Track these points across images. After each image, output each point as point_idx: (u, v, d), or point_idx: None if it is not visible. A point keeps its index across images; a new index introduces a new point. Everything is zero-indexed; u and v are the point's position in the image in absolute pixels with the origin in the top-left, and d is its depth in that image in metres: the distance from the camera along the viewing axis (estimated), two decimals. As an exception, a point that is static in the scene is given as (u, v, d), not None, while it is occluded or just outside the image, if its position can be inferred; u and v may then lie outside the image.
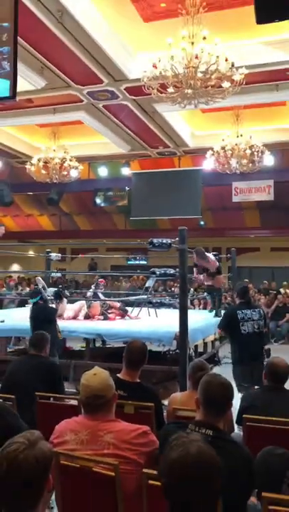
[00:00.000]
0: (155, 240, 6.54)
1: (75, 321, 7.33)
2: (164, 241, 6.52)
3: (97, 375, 2.35)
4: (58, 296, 6.50)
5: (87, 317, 7.54)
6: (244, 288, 5.61)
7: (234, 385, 4.75)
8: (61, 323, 7.04)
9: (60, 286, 6.67)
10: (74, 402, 3.35)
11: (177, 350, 6.22)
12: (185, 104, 7.09)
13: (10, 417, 2.37)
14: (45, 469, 1.39)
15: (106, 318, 7.51)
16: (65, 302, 6.38)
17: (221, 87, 6.86)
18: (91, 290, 10.99)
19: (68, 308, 7.58)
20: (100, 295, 10.93)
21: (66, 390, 4.17)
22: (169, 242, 6.35)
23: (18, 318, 7.76)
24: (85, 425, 2.29)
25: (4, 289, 15.10)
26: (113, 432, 2.24)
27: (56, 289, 9.36)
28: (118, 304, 7.80)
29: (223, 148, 10.88)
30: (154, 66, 6.59)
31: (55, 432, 2.34)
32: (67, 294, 6.63)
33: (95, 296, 11.06)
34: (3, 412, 2.38)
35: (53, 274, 10.68)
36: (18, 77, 5.45)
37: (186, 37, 6.48)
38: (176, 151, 13.64)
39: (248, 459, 1.98)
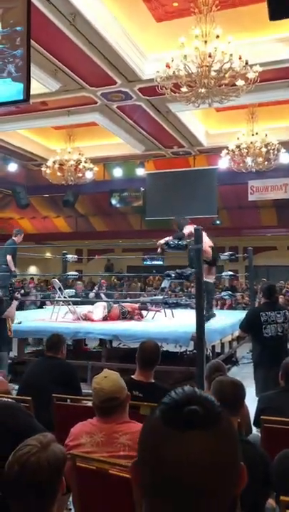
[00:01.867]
0: (171, 242, 6.52)
1: (90, 322, 7.35)
2: (180, 242, 6.50)
3: (108, 378, 2.35)
4: (10, 298, 6.44)
5: (106, 319, 7.57)
6: (271, 287, 5.16)
7: (254, 388, 4.71)
8: (78, 324, 7.09)
9: (11, 288, 6.63)
10: (91, 404, 3.36)
11: (194, 351, 6.21)
12: (199, 103, 7.05)
13: (23, 417, 2.37)
14: (58, 472, 1.39)
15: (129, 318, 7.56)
16: (14, 304, 6.31)
17: (235, 85, 6.80)
18: (94, 291, 11.08)
19: (92, 311, 7.62)
20: (103, 296, 10.99)
21: (84, 391, 4.17)
22: (185, 243, 6.32)
23: (35, 319, 7.83)
24: (100, 427, 2.29)
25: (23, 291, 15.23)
26: (129, 433, 2.25)
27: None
28: (136, 305, 7.81)
29: (238, 146, 10.79)
30: (168, 66, 6.56)
31: (71, 435, 2.35)
32: (19, 296, 6.63)
33: (98, 297, 11.13)
34: (16, 411, 2.38)
35: (70, 276, 10.72)
36: (32, 80, 5.50)
37: (199, 36, 6.44)
38: (190, 151, 13.59)
39: (263, 459, 1.96)
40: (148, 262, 20.17)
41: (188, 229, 6.79)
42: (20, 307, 12.04)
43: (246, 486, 0.70)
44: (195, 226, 6.66)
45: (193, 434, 0.66)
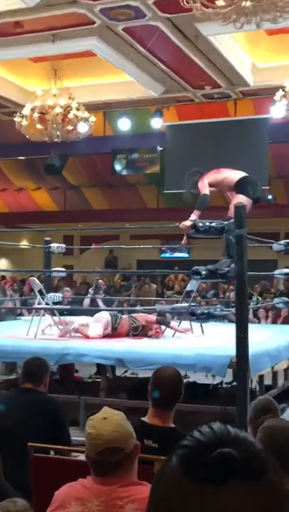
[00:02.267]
0: (200, 223, 6.51)
1: (86, 340, 7.39)
2: (214, 224, 6.48)
3: (108, 420, 2.37)
4: None
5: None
6: None
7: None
8: (67, 343, 7.13)
9: None
10: (85, 458, 3.40)
11: (234, 383, 6.19)
12: (242, 22, 7.02)
13: None
14: None
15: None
16: None
17: (295, -4, 6.76)
18: (88, 296, 11.09)
19: (92, 325, 7.66)
20: (100, 303, 11.02)
21: (74, 438, 4.21)
22: (221, 225, 6.30)
23: (5, 336, 7.89)
24: (96, 491, 2.31)
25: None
26: (136, 500, 2.26)
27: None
28: (153, 318, 7.80)
29: (299, 86, 10.74)
30: None
31: (55, 501, 2.38)
32: None
33: (93, 303, 11.13)
34: None
35: (55, 274, 10.78)
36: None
37: None
38: (230, 93, 13.53)
39: None
40: (167, 255, 20.21)
41: (205, 185, 7.11)
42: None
43: None
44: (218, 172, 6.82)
45: (226, 490, 0.66)
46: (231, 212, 6.76)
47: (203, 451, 0.68)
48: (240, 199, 6.89)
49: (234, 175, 7.29)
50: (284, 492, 0.70)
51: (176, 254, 19.94)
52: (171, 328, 7.71)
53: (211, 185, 7.22)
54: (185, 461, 0.69)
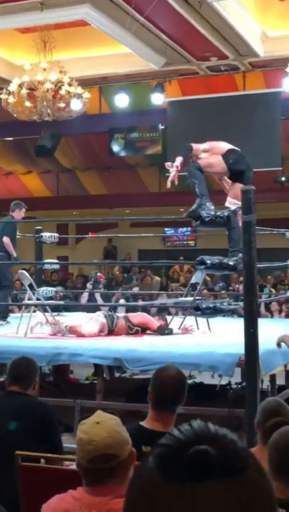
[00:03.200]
0: (204, 212, 6.53)
1: (81, 338, 7.43)
2: (219, 213, 6.50)
3: (101, 425, 2.37)
4: None
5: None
6: None
7: None
8: (60, 342, 7.17)
9: None
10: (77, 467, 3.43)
11: (243, 384, 6.21)
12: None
13: None
14: None
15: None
16: None
17: None
18: (87, 290, 11.14)
19: (86, 323, 7.71)
20: (99, 298, 11.04)
21: (67, 445, 4.23)
22: (227, 213, 6.32)
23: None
24: (87, 503, 2.32)
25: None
26: (132, 513, 2.26)
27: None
28: (154, 324, 7.81)
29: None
30: None
31: (43, 514, 2.39)
32: None
33: (92, 299, 11.17)
34: None
35: (47, 266, 10.80)
36: None
37: None
38: (238, 64, 13.49)
39: None
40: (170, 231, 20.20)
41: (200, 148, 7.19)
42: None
43: None
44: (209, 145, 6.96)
45: (201, 489, 0.67)
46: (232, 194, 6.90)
47: (181, 450, 0.69)
48: (215, 160, 7.05)
49: (227, 145, 7.39)
50: (265, 490, 0.71)
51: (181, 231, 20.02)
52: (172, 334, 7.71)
53: (207, 151, 7.29)
54: (162, 460, 0.70)
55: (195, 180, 7.04)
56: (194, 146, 7.36)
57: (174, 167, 7.29)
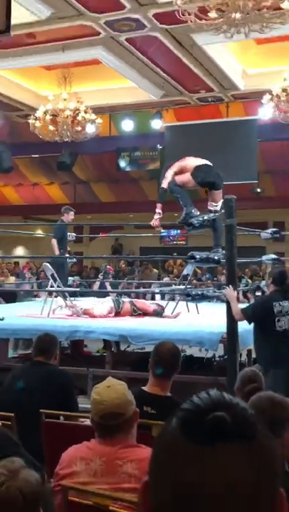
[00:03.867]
0: (194, 220, 6.53)
1: (92, 318, 7.42)
2: (206, 217, 6.50)
3: (111, 388, 2.38)
4: None
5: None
6: (282, 273, 5.63)
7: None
8: (76, 321, 7.18)
9: None
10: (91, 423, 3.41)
11: (225, 357, 6.22)
12: (232, 33, 6.98)
13: (10, 447, 2.41)
14: (34, 504, 1.42)
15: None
16: None
17: (280, 8, 6.70)
18: (98, 280, 11.11)
19: (97, 305, 7.71)
20: (108, 286, 11.03)
21: (82, 406, 4.23)
22: (213, 217, 6.32)
23: (22, 314, 7.92)
24: (98, 452, 2.32)
25: (13, 278, 15.44)
26: (135, 460, 2.27)
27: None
28: (151, 308, 7.80)
29: (284, 90, 10.68)
30: (191, -17, 6.48)
31: (62, 461, 2.39)
32: None
33: (102, 287, 11.18)
34: (1, 440, 2.42)
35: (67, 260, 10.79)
36: (15, 5, 5.46)
37: None
38: (222, 97, 13.45)
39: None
40: (164, 233, 20.13)
41: (165, 178, 7.06)
42: (12, 299, 12.21)
43: None
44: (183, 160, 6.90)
45: (218, 449, 0.66)
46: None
47: (200, 415, 0.68)
48: (186, 176, 6.93)
49: (195, 162, 7.17)
50: (272, 453, 0.70)
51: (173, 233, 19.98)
52: (165, 317, 7.68)
53: (179, 173, 7.13)
54: (183, 423, 0.69)
55: (177, 195, 7.00)
56: (167, 173, 7.17)
57: (156, 214, 7.24)
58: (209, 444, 0.66)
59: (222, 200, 6.72)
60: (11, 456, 2.19)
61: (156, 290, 11.02)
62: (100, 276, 11.44)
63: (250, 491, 0.65)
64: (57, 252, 9.46)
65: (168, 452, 0.69)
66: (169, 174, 7.09)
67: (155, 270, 17.85)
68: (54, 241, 9.48)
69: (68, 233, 10.02)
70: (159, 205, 7.24)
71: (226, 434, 0.66)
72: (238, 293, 6.18)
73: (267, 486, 0.67)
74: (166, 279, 13.52)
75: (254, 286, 11.68)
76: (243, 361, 6.84)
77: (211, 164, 7.18)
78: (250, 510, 0.65)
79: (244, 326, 6.09)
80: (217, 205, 6.93)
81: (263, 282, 9.71)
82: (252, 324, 5.55)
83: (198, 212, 6.84)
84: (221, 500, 0.64)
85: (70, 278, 9.47)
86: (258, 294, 6.23)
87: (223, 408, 0.68)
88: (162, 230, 19.95)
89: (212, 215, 6.51)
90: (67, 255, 9.74)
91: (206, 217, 6.49)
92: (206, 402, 0.70)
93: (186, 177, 6.80)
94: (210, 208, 6.99)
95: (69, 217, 9.78)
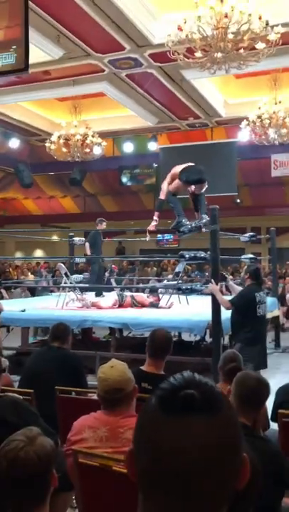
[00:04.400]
0: (184, 228, 6.55)
1: (100, 310, 7.41)
2: (194, 224, 6.50)
3: (114, 368, 2.38)
4: None
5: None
6: (257, 269, 5.92)
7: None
8: (86, 312, 7.16)
9: None
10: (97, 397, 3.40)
11: (210, 341, 6.22)
12: (215, 69, 6.95)
13: (30, 416, 2.41)
14: (48, 465, 1.44)
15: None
16: None
17: (254, 48, 6.68)
18: (105, 277, 11.07)
19: (104, 299, 7.71)
20: (113, 282, 11.00)
21: (91, 383, 4.22)
22: (199, 224, 6.32)
23: (40, 307, 7.91)
24: (103, 421, 2.32)
25: (32, 276, 15.41)
26: (134, 428, 2.26)
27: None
28: (147, 301, 7.78)
29: (259, 117, 10.65)
30: (180, 28, 6.46)
31: (73, 429, 2.39)
32: None
33: (108, 283, 11.16)
34: (22, 409, 2.41)
35: (77, 260, 10.78)
36: (33, 47, 5.47)
37: (214, -6, 6.32)
38: (207, 122, 13.46)
39: (277, 455, 1.97)
40: (160, 238, 20.13)
41: (162, 191, 6.98)
42: (32, 293, 12.19)
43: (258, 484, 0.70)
44: (173, 170, 6.83)
45: (188, 420, 0.66)
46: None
47: (174, 392, 0.69)
48: (176, 183, 6.84)
49: (179, 167, 7.00)
50: (236, 424, 0.71)
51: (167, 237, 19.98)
52: (160, 307, 7.67)
53: (171, 181, 7.02)
54: (161, 399, 0.69)
55: (172, 205, 6.96)
56: (163, 185, 7.09)
57: (153, 221, 7.17)
58: (181, 415, 0.66)
59: (205, 187, 6.73)
60: (31, 425, 2.20)
61: (156, 285, 10.98)
62: (107, 274, 11.40)
63: (216, 454, 0.66)
64: (88, 253, 9.53)
65: (148, 424, 0.69)
66: (164, 186, 7.04)
67: (154, 268, 17.83)
68: (87, 244, 9.51)
69: (78, 238, 9.99)
70: (156, 214, 7.19)
71: (195, 407, 0.67)
72: (221, 286, 6.17)
73: (230, 451, 0.68)
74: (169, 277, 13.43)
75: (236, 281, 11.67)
76: (226, 344, 6.84)
77: (192, 164, 7.11)
78: (217, 470, 0.66)
79: (227, 315, 6.10)
80: (201, 190, 6.90)
81: (231, 276, 9.67)
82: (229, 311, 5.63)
83: (188, 222, 6.82)
84: (191, 462, 0.65)
85: (79, 275, 9.43)
86: (222, 283, 6.30)
87: (193, 386, 0.69)
88: (158, 236, 20.04)
89: (199, 222, 6.49)
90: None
91: (193, 224, 6.48)
92: (180, 381, 0.71)
93: (177, 182, 6.78)
94: (195, 192, 6.84)
95: (102, 226, 9.73)
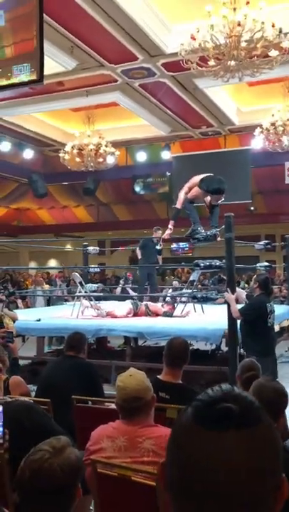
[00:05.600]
0: (199, 236, 6.53)
1: (114, 318, 7.40)
2: (209, 233, 6.49)
3: (133, 377, 2.37)
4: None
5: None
6: (267, 279, 5.82)
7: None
8: (101, 321, 7.16)
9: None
10: (115, 406, 3.39)
11: (226, 349, 6.17)
12: (228, 77, 6.98)
13: (40, 417, 2.40)
14: (73, 478, 1.41)
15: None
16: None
17: (268, 56, 6.69)
18: (120, 286, 11.10)
19: (118, 308, 7.71)
20: (130, 291, 11.00)
21: (106, 392, 4.21)
22: (214, 232, 6.30)
23: (55, 316, 7.93)
24: (122, 431, 2.31)
25: (47, 286, 15.47)
26: (153, 437, 2.25)
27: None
28: (161, 310, 7.75)
29: (273, 124, 10.65)
30: (193, 37, 6.50)
31: (92, 439, 2.38)
32: (3, 298, 6.69)
33: (124, 291, 11.16)
34: (33, 411, 2.41)
35: (91, 270, 10.80)
36: (47, 58, 5.52)
37: (227, 3, 6.35)
38: (220, 131, 13.46)
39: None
40: (175, 247, 20.12)
41: (179, 200, 6.95)
42: (47, 303, 12.23)
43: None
44: (190, 181, 6.82)
45: (225, 435, 0.65)
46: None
47: (211, 404, 0.67)
48: (195, 190, 6.84)
49: (198, 177, 7.09)
50: (274, 438, 0.69)
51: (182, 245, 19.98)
52: (175, 316, 7.64)
53: (189, 191, 7.04)
54: (196, 411, 0.68)
55: (188, 212, 6.96)
56: (180, 194, 7.05)
57: (168, 229, 7.24)
58: (217, 429, 0.65)
59: (222, 199, 6.73)
60: (46, 429, 2.19)
61: (168, 294, 10.96)
62: (122, 282, 11.45)
63: (251, 472, 0.64)
64: (139, 256, 9.72)
65: (182, 436, 0.68)
66: (181, 195, 7.03)
67: (172, 277, 17.79)
68: (138, 251, 9.75)
69: (92, 247, 10.01)
70: (171, 222, 7.21)
71: (232, 421, 0.65)
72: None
73: (268, 469, 0.66)
74: (174, 283, 13.38)
75: (215, 279, 11.62)
76: (242, 353, 6.79)
77: (212, 174, 7.13)
78: (251, 489, 0.64)
79: (242, 323, 6.06)
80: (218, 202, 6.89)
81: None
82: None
83: (203, 230, 6.80)
84: (225, 480, 0.63)
85: (94, 285, 9.44)
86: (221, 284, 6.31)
87: (231, 399, 0.67)
88: (173, 245, 20.03)
89: (214, 230, 6.48)
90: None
91: (208, 233, 6.46)
92: (217, 394, 0.69)
93: (196, 190, 6.78)
94: (213, 203, 6.85)
95: (157, 234, 9.76)
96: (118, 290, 11.84)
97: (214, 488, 0.63)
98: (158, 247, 9.64)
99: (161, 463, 0.71)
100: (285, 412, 2.63)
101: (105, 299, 9.24)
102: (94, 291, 8.72)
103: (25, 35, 4.59)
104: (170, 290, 11.36)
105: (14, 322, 6.51)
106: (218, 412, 0.66)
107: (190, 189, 6.92)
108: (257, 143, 11.69)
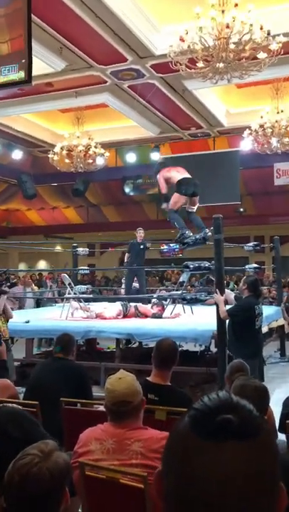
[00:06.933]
0: (189, 240, 6.56)
1: (103, 320, 7.39)
2: (198, 236, 6.51)
3: (122, 380, 2.36)
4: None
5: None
6: (256, 281, 5.85)
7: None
8: (90, 323, 7.14)
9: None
10: (104, 408, 3.37)
11: (215, 351, 6.18)
12: (217, 79, 6.98)
13: (28, 425, 2.38)
14: (61, 483, 1.40)
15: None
16: (3, 298, 6.37)
17: (256, 58, 6.71)
18: (109, 288, 11.13)
19: (108, 309, 7.69)
20: (122, 291, 11.01)
21: (96, 394, 4.20)
22: (203, 235, 6.33)
23: (44, 318, 7.90)
24: (110, 433, 2.30)
25: (36, 287, 15.38)
26: (141, 440, 2.25)
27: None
28: (150, 312, 7.74)
29: (261, 126, 10.68)
30: (181, 39, 6.50)
31: (80, 441, 2.37)
32: (7, 289, 6.58)
33: (115, 293, 11.17)
34: (20, 418, 2.38)
35: (81, 271, 10.78)
36: (35, 59, 5.51)
37: (215, 5, 6.36)
38: (210, 132, 13.49)
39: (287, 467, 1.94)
40: (166, 249, 20.13)
41: (160, 182, 7.14)
42: (37, 305, 12.17)
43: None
44: (168, 171, 6.88)
45: (225, 447, 0.63)
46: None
47: (208, 415, 0.65)
48: (175, 197, 6.91)
49: (177, 176, 7.11)
50: (273, 451, 0.67)
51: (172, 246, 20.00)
52: (164, 318, 7.64)
53: (165, 181, 7.12)
54: (194, 421, 0.66)
55: (173, 220, 7.00)
56: (159, 181, 7.29)
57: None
58: (215, 440, 0.63)
59: (198, 204, 6.80)
60: (33, 436, 2.16)
61: (155, 295, 10.97)
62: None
63: (250, 484, 0.63)
64: (125, 261, 9.82)
65: (179, 446, 0.66)
66: (160, 177, 7.17)
67: (156, 278, 17.78)
68: (126, 255, 9.84)
69: (81, 249, 9.99)
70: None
71: (230, 433, 0.64)
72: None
73: (268, 481, 0.64)
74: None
75: (204, 280, 11.67)
76: (231, 354, 6.81)
77: (189, 176, 7.16)
78: (250, 501, 0.62)
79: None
80: (194, 208, 6.94)
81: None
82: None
83: (191, 233, 6.83)
84: (223, 491, 0.61)
85: (83, 286, 9.42)
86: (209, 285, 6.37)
87: (230, 410, 0.66)
88: (164, 247, 20.08)
89: (203, 232, 6.51)
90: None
91: (197, 236, 6.49)
92: (215, 403, 0.67)
93: (176, 197, 6.83)
94: (188, 210, 6.99)
95: (139, 234, 9.86)
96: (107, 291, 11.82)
97: (211, 499, 0.62)
98: (142, 247, 9.66)
99: (157, 471, 0.69)
100: (273, 409, 2.63)
101: (95, 300, 9.22)
102: (83, 293, 8.70)
103: (13, 33, 4.58)
104: (159, 291, 11.35)
105: (8, 322, 6.44)
106: (217, 423, 0.64)
107: (167, 180, 6.97)
108: (246, 144, 11.72)
